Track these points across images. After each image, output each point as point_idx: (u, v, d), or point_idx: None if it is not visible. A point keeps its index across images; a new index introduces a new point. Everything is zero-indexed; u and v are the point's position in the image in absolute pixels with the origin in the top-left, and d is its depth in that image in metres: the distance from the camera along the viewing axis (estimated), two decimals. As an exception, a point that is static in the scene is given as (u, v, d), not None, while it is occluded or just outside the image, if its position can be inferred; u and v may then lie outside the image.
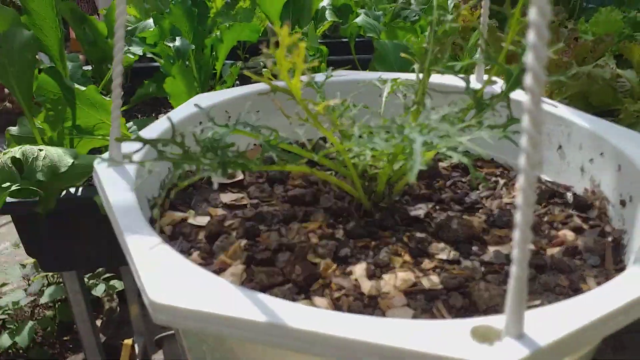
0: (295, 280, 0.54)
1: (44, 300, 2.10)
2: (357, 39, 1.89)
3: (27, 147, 1.31)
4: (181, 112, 0.72)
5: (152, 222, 0.60)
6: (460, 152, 0.49)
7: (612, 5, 1.45)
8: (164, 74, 1.56)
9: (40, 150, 1.31)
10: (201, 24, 1.64)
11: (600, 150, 0.67)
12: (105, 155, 0.59)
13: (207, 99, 0.77)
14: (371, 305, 0.52)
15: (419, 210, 0.65)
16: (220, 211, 0.66)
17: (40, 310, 2.17)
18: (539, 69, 0.33)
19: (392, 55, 1.59)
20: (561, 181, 0.73)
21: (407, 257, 0.58)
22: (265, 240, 0.61)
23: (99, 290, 2.20)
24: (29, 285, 2.23)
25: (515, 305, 0.37)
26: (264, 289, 0.53)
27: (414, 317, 0.50)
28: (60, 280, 2.16)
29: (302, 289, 0.54)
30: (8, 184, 1.26)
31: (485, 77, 0.81)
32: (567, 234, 0.64)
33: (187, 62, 1.58)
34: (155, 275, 0.43)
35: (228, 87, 1.71)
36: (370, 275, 0.55)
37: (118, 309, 2.26)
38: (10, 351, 1.97)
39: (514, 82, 0.57)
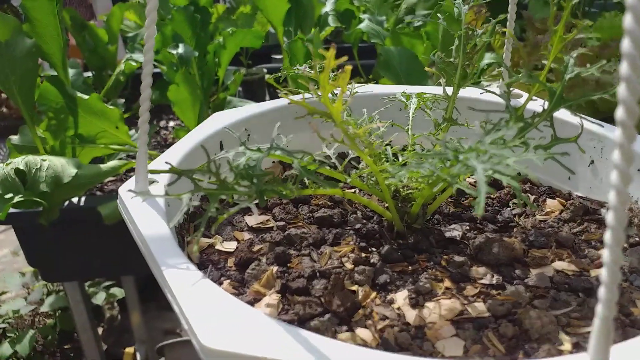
0: (336, 311, 0.52)
1: (44, 309, 2.07)
2: (359, 45, 1.87)
3: (30, 158, 1.27)
4: (201, 132, 0.70)
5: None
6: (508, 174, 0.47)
7: (615, 10, 1.44)
8: (166, 81, 1.53)
9: (44, 160, 1.28)
10: (203, 30, 1.61)
11: (638, 166, 0.65)
12: (131, 182, 0.57)
13: (225, 117, 0.75)
14: (418, 336, 0.50)
15: (454, 231, 0.63)
16: (246, 235, 0.64)
17: (41, 318, 2.14)
18: (633, 102, 0.31)
19: (397, 61, 1.57)
20: (594, 197, 0.71)
21: (448, 283, 0.56)
22: (297, 267, 0.58)
23: (99, 299, 2.17)
24: (28, 293, 2.20)
25: (602, 346, 0.35)
26: (303, 321, 0.51)
27: (466, 348, 0.48)
28: (61, 288, 2.13)
29: (343, 320, 0.51)
30: (11, 195, 1.23)
31: (514, 92, 0.80)
32: (607, 254, 0.62)
33: (189, 69, 1.56)
34: (203, 317, 0.40)
35: (231, 94, 1.69)
36: (414, 304, 0.53)
37: (119, 317, 2.23)
38: (11, 360, 1.95)
39: (557, 100, 0.55)
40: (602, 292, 0.34)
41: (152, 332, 2.13)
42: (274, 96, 2.06)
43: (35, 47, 1.26)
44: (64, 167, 1.27)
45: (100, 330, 2.14)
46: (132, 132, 1.63)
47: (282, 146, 0.55)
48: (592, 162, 0.71)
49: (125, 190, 0.54)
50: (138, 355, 1.99)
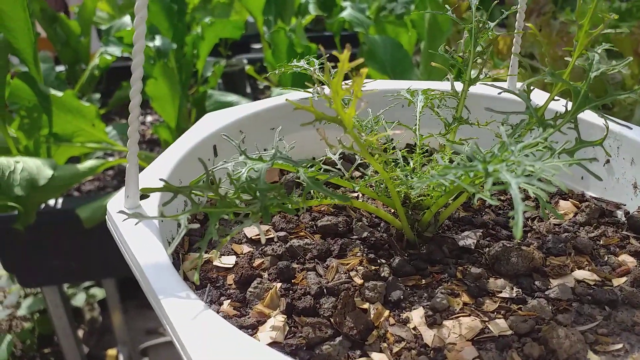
0: (348, 334, 0.47)
1: (21, 312, 2.01)
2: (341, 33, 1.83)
3: (3, 160, 1.21)
4: (193, 136, 0.65)
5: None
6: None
7: (601, -5, 1.42)
8: (143, 75, 1.47)
9: (17, 162, 1.21)
10: (180, 20, 1.55)
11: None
12: (120, 196, 0.52)
13: (217, 119, 0.70)
14: (438, 359, 0.46)
15: (468, 239, 0.59)
16: (245, 248, 0.59)
17: (18, 322, 2.07)
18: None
19: (382, 50, 1.53)
20: (609, 198, 0.68)
21: (466, 298, 0.52)
22: (303, 283, 0.54)
23: (79, 300, 2.11)
24: (4, 297, 2.13)
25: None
26: (312, 346, 0.47)
27: (491, 375, 0.44)
28: (39, 290, 2.06)
29: (356, 344, 0.47)
30: (-18, 200, 1.17)
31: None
32: (628, 260, 0.59)
33: (167, 62, 1.49)
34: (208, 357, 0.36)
35: (211, 87, 1.63)
36: (431, 323, 0.49)
37: (100, 318, 2.17)
38: (-12, 367, 1.88)
39: (583, 101, 0.51)
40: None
41: (134, 332, 2.08)
42: (255, 88, 2.00)
43: (4, 42, 1.19)
44: (40, 168, 1.21)
45: (81, 332, 2.08)
46: (109, 129, 1.56)
47: (285, 153, 0.51)
48: (608, 161, 0.67)
49: (115, 209, 0.49)
50: (121, 357, 1.94)
